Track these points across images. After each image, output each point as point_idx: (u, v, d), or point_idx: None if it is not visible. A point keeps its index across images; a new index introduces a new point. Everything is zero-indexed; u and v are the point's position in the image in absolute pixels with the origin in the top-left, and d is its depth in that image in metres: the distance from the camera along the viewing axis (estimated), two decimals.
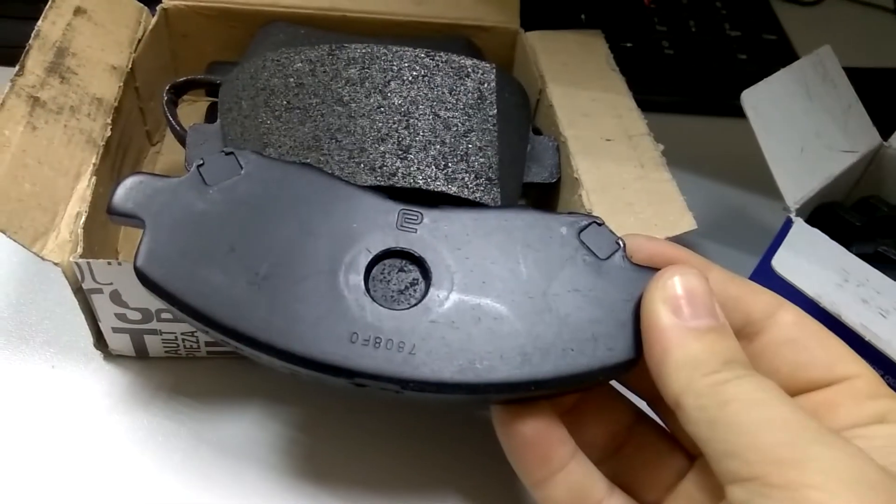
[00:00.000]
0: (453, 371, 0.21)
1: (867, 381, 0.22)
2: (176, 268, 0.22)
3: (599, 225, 0.24)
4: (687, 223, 0.31)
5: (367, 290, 0.22)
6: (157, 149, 0.40)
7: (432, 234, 0.24)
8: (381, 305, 0.22)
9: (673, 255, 0.24)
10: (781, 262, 0.29)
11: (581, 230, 0.24)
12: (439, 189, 0.32)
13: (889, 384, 0.29)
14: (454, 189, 0.32)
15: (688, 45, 0.52)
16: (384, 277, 0.23)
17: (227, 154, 0.24)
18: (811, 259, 0.29)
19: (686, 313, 0.21)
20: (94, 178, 0.30)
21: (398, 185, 0.31)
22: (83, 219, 0.28)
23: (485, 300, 0.22)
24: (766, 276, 0.31)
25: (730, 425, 0.19)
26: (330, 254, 0.23)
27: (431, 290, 0.22)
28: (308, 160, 0.31)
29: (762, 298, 0.23)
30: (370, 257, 0.23)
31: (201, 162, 0.24)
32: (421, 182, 0.32)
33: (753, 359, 0.22)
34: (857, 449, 0.18)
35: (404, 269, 0.23)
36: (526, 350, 0.21)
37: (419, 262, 0.23)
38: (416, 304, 0.22)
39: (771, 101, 0.34)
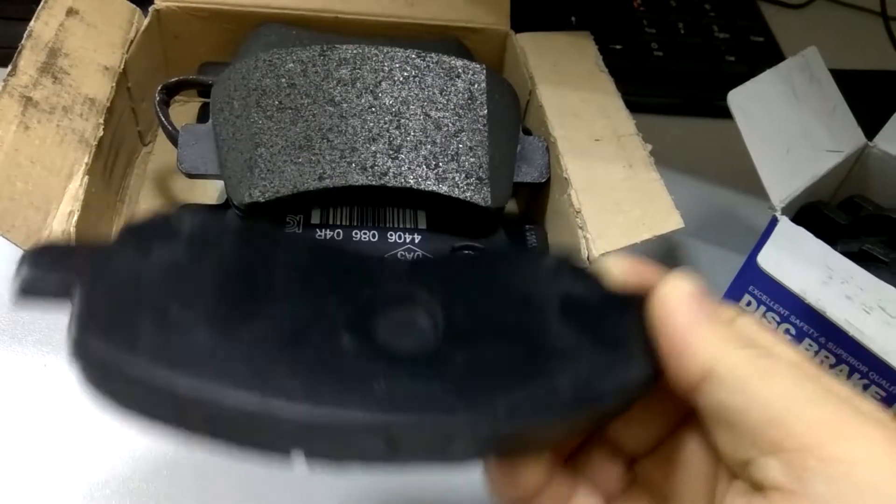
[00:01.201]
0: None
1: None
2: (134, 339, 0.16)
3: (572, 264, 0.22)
4: (674, 222, 0.32)
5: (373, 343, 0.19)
6: (148, 149, 0.40)
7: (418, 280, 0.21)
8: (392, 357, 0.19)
9: (645, 272, 0.22)
10: (767, 259, 0.30)
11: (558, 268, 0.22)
12: (430, 188, 0.32)
13: (873, 380, 0.30)
14: (445, 188, 0.32)
15: (676, 47, 0.53)
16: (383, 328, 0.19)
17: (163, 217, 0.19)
18: (796, 257, 0.30)
19: (700, 301, 0.20)
20: (86, 178, 0.30)
21: (389, 185, 0.32)
22: (75, 217, 0.28)
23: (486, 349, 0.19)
24: (752, 274, 0.31)
25: (773, 394, 0.18)
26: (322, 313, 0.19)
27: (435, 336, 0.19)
28: (300, 160, 0.31)
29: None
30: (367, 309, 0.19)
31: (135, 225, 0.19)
32: (412, 181, 0.32)
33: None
34: (893, 428, 0.17)
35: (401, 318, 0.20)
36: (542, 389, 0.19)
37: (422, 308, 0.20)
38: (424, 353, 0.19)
39: (757, 102, 0.34)
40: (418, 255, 0.33)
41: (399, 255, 0.33)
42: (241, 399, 0.16)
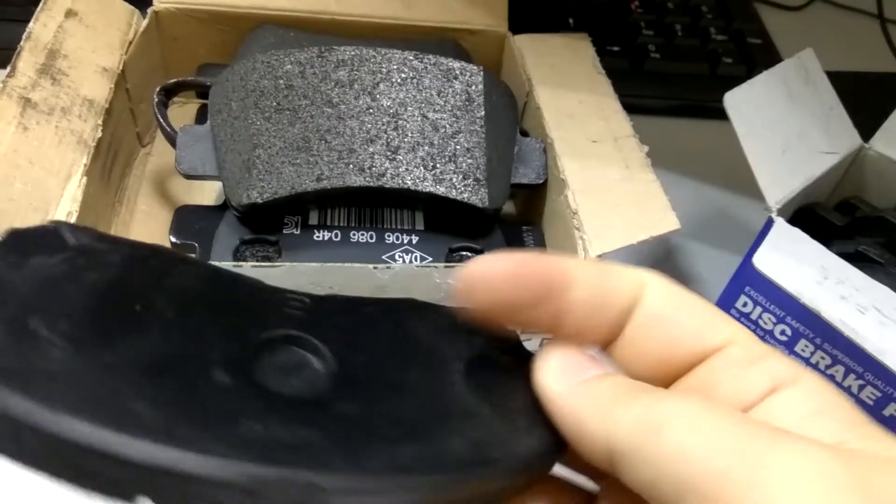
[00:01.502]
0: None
1: (742, 346, 0.19)
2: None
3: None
4: (671, 223, 0.32)
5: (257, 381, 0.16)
6: (147, 150, 0.40)
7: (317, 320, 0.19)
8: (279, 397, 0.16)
9: (516, 272, 0.20)
10: (762, 260, 0.30)
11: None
12: (427, 190, 0.32)
13: (868, 381, 0.30)
14: (442, 190, 0.32)
15: (673, 49, 0.53)
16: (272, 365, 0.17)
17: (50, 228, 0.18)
18: (791, 257, 0.30)
19: (575, 372, 0.18)
20: (84, 179, 0.30)
21: (387, 186, 0.32)
22: (73, 218, 0.28)
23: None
24: (748, 275, 0.31)
25: (672, 456, 0.16)
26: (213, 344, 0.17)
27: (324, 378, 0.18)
28: (298, 161, 0.31)
29: (625, 281, 0.20)
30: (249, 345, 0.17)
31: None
32: (409, 183, 0.32)
33: (622, 350, 0.20)
34: (812, 445, 0.16)
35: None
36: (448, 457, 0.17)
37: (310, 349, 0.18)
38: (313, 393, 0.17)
39: (753, 104, 0.34)
40: (415, 255, 0.33)
41: (397, 255, 0.33)
42: (81, 428, 0.13)
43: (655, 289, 0.20)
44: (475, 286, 0.19)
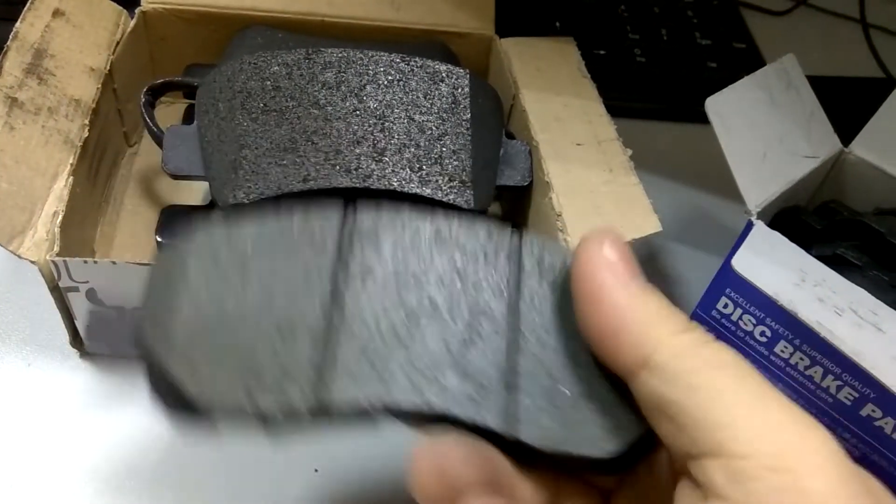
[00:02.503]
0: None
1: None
2: None
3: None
4: (652, 225, 0.32)
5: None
6: (134, 150, 0.40)
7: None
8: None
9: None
10: (741, 262, 0.30)
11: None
12: (413, 191, 0.32)
13: (846, 382, 0.31)
14: (428, 191, 0.33)
15: (659, 53, 0.54)
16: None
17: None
18: (770, 260, 0.30)
19: (627, 273, 0.18)
20: (71, 178, 0.30)
21: (373, 187, 0.32)
22: (60, 218, 0.29)
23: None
24: (728, 277, 0.32)
25: (717, 392, 0.16)
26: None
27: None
28: (284, 162, 0.32)
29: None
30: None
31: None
32: (395, 184, 0.32)
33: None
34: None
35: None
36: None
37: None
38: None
39: (735, 108, 0.35)
40: None
41: None
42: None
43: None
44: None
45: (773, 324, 0.32)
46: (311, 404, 0.18)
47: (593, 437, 0.19)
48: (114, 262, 0.27)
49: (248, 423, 0.18)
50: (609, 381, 0.19)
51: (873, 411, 0.30)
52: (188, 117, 0.38)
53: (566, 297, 0.20)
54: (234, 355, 0.19)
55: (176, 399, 0.18)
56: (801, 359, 0.32)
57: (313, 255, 0.20)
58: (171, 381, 0.18)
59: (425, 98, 0.34)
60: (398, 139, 0.33)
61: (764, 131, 0.35)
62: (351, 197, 0.33)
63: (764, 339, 0.32)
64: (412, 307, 0.20)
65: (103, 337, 0.31)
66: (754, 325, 0.32)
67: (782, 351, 0.32)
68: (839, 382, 0.31)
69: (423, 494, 0.18)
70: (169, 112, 0.42)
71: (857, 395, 0.30)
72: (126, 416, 0.30)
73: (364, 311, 0.20)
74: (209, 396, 0.18)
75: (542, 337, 0.20)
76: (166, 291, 0.20)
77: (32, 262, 0.27)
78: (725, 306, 0.33)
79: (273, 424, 0.18)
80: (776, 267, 0.30)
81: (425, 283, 0.20)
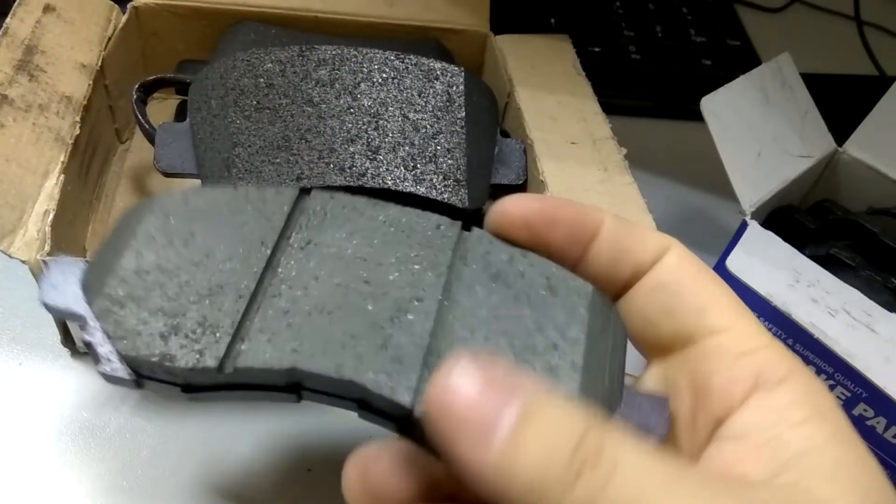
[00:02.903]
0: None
1: (736, 335, 0.19)
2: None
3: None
4: (646, 224, 0.32)
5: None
6: (126, 147, 0.40)
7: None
8: None
9: (548, 210, 0.21)
10: (735, 262, 0.30)
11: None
12: (408, 190, 0.32)
13: (838, 381, 0.31)
14: (422, 190, 0.32)
15: (654, 51, 0.54)
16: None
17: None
18: (764, 260, 0.31)
19: (491, 428, 0.15)
20: (62, 176, 0.30)
21: (367, 186, 0.32)
22: (51, 217, 0.28)
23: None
24: (723, 275, 0.32)
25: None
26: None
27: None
28: (278, 160, 0.31)
29: (651, 242, 0.21)
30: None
31: None
32: (390, 183, 0.32)
33: (627, 306, 0.21)
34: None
35: None
36: None
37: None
38: None
39: (730, 107, 0.35)
40: None
41: None
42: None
43: (673, 257, 0.21)
44: (510, 220, 0.21)
45: (766, 324, 0.32)
46: (220, 356, 0.18)
47: None
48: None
49: (162, 373, 0.19)
50: (539, 376, 0.19)
51: (865, 410, 0.30)
52: (180, 114, 0.38)
53: (505, 289, 0.20)
54: (161, 309, 0.19)
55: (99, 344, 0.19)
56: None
57: (259, 224, 0.21)
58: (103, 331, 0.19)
59: (420, 96, 0.34)
60: (392, 137, 0.33)
61: (758, 131, 0.35)
62: None
63: None
64: (345, 282, 0.20)
65: None
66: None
67: None
68: (832, 382, 0.31)
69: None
70: (161, 108, 0.42)
71: (849, 394, 0.31)
72: (117, 416, 0.30)
73: (296, 280, 0.20)
74: (128, 344, 0.18)
75: (472, 324, 0.19)
76: (115, 247, 0.20)
77: (23, 262, 0.27)
78: None
79: (184, 375, 0.19)
80: (770, 267, 0.30)
81: (363, 262, 0.20)
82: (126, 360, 0.19)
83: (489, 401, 0.15)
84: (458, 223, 0.22)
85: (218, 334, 0.19)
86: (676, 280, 0.20)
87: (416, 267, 0.20)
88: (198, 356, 0.18)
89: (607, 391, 0.19)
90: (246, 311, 0.19)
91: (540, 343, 0.19)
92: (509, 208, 0.21)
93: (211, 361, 0.18)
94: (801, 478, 0.16)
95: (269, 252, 0.20)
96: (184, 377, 0.19)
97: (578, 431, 0.14)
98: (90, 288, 0.20)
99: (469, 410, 0.15)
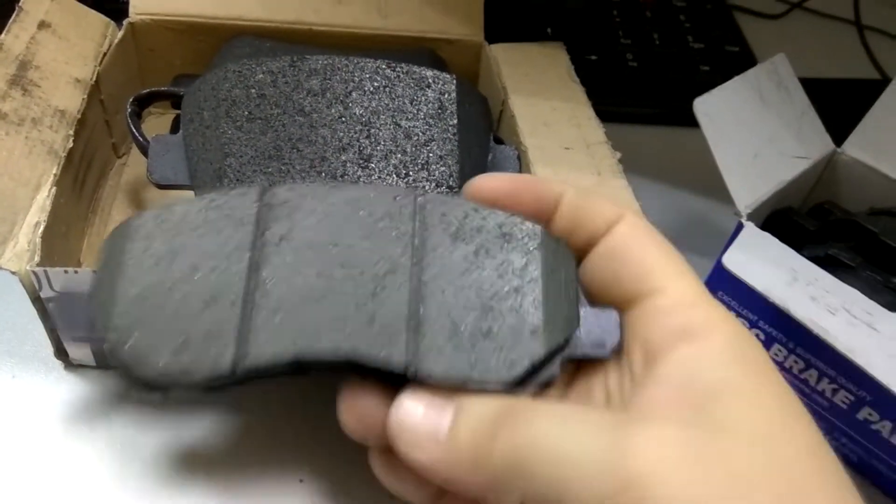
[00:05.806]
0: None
1: (670, 295, 0.21)
2: None
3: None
4: None
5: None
6: (123, 160, 0.40)
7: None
8: None
9: (515, 187, 0.24)
10: (731, 260, 0.30)
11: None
12: None
13: (841, 385, 0.30)
14: None
15: (651, 58, 0.53)
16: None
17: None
18: (761, 260, 0.30)
19: (432, 431, 0.20)
20: (54, 189, 0.30)
21: None
22: (41, 228, 0.28)
23: None
24: (720, 278, 0.31)
25: (550, 472, 0.18)
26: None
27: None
28: (269, 170, 0.31)
29: (606, 212, 0.23)
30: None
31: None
32: None
33: (584, 270, 0.23)
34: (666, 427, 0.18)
35: None
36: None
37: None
38: None
39: (724, 109, 0.35)
40: None
41: None
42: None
43: (624, 226, 0.22)
44: (482, 198, 0.23)
45: (766, 326, 0.31)
46: (231, 362, 0.21)
47: (495, 366, 0.21)
48: (95, 272, 0.27)
49: (183, 385, 0.21)
50: (507, 318, 0.21)
51: (870, 415, 0.30)
52: (176, 127, 0.38)
53: (465, 245, 0.22)
54: (167, 329, 0.21)
55: (122, 370, 0.21)
56: (796, 362, 0.31)
57: (233, 228, 0.22)
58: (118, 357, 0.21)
59: (411, 104, 0.34)
60: (384, 145, 0.33)
61: (754, 132, 0.35)
62: None
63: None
64: (324, 270, 0.22)
65: (88, 348, 0.31)
66: (748, 329, 0.32)
67: (776, 354, 0.32)
68: (835, 386, 0.30)
69: (349, 432, 0.22)
70: (159, 123, 0.42)
71: (853, 398, 0.30)
72: (110, 428, 0.30)
73: (278, 274, 0.22)
74: (147, 369, 0.20)
75: (441, 284, 0.22)
76: (107, 274, 0.22)
77: (13, 273, 0.27)
78: None
79: (203, 384, 0.21)
80: (767, 267, 0.30)
81: (336, 247, 0.22)
82: (146, 382, 0.21)
83: (430, 415, 0.20)
84: (413, 191, 0.24)
85: (224, 342, 0.21)
86: (625, 247, 0.22)
87: (383, 241, 0.22)
88: (211, 366, 0.20)
89: (567, 316, 0.22)
90: (242, 316, 0.21)
91: (503, 288, 0.22)
92: (480, 187, 0.24)
93: (224, 368, 0.20)
94: (710, 412, 0.18)
95: (248, 254, 0.22)
96: (201, 385, 0.21)
97: (495, 411, 0.19)
98: (97, 325, 0.21)
99: (418, 426, 0.20)
